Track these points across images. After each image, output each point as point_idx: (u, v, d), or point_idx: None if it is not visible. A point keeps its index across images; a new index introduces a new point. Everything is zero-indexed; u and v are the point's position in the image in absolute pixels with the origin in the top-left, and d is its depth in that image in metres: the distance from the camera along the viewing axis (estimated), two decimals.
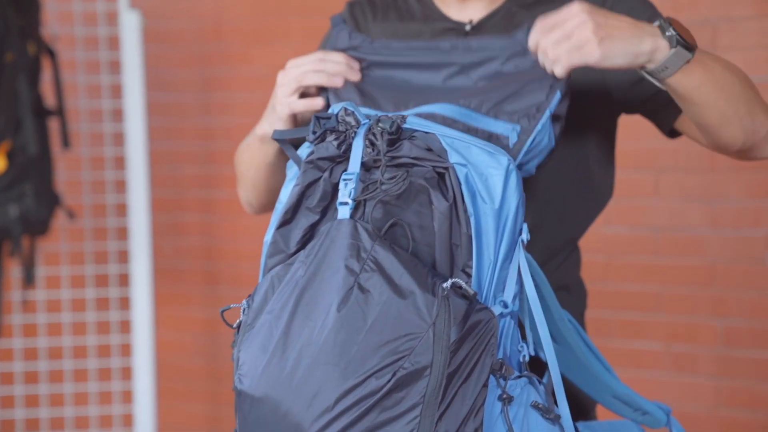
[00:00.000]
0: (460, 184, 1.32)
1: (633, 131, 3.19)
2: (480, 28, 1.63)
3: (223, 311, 1.41)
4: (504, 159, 1.36)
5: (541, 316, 1.37)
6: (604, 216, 3.21)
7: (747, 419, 3.02)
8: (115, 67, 3.56)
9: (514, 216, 1.34)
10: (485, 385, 1.28)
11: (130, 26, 3.33)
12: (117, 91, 3.56)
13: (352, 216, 1.33)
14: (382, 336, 1.25)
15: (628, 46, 1.40)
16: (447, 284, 1.27)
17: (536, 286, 1.40)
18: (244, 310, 1.37)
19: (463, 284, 1.27)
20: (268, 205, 1.70)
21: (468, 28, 1.64)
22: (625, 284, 3.18)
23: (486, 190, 1.34)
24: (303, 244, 1.37)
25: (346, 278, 1.28)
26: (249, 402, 1.32)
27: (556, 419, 1.36)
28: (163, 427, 3.73)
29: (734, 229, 3.02)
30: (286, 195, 1.41)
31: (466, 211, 1.32)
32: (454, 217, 1.32)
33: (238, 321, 1.38)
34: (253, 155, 1.65)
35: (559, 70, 1.41)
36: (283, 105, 1.55)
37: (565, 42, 1.40)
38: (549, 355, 1.37)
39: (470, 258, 1.32)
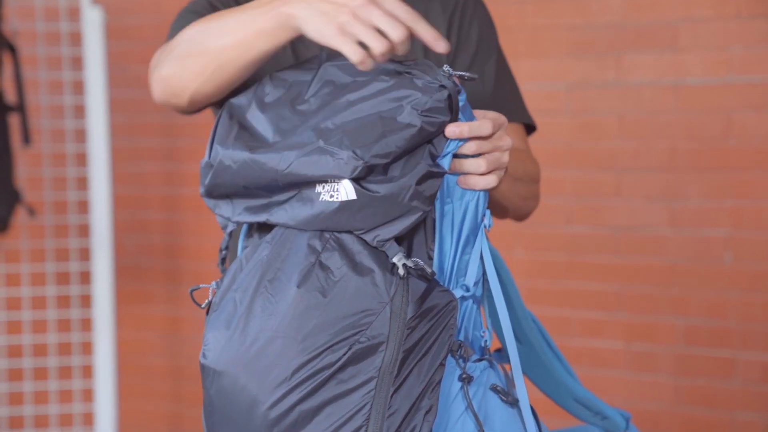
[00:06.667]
0: None
1: (594, 132, 3.21)
2: None
3: (192, 290, 1.43)
4: None
5: (501, 298, 1.38)
6: (565, 215, 3.24)
7: (706, 417, 3.05)
8: (77, 63, 3.54)
9: (476, 201, 1.36)
10: (442, 364, 1.29)
11: (93, 22, 3.32)
12: (79, 88, 3.54)
13: None
14: (339, 311, 1.28)
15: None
16: (407, 263, 1.29)
17: (501, 281, 1.41)
18: (213, 291, 1.40)
19: (422, 264, 1.29)
20: (208, 98, 1.49)
21: None
22: (585, 283, 3.19)
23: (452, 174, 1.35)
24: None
25: (307, 256, 1.31)
26: (211, 376, 1.35)
27: (514, 402, 1.37)
28: (124, 426, 3.71)
29: (694, 229, 3.05)
30: None
31: None
32: None
33: (207, 301, 1.40)
34: (243, 38, 1.40)
35: (481, 187, 1.37)
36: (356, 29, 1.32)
37: (496, 167, 1.37)
38: (508, 339, 1.39)
39: (433, 242, 1.34)
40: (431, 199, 1.31)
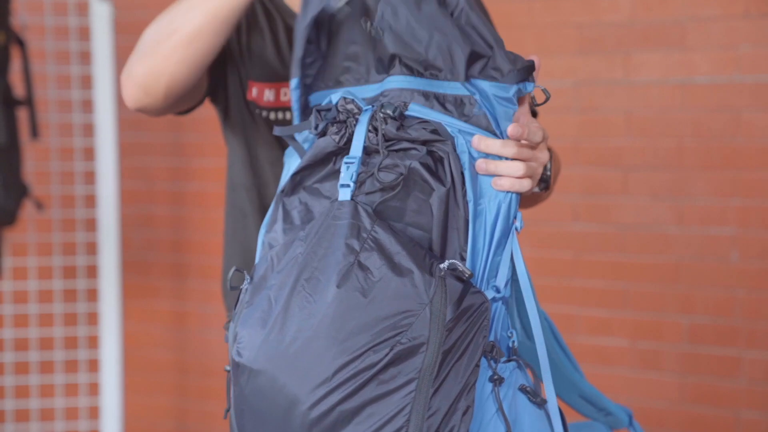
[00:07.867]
0: (461, 168, 1.35)
1: (602, 129, 3.21)
2: None
3: (233, 271, 1.44)
4: None
5: (531, 302, 1.39)
6: (572, 213, 3.24)
7: (711, 415, 3.05)
8: (86, 57, 3.54)
9: (508, 203, 1.37)
10: (477, 365, 1.30)
11: (101, 16, 3.32)
12: (87, 82, 3.54)
13: (352, 198, 1.35)
14: (380, 312, 1.28)
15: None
16: (444, 265, 1.29)
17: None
18: (245, 290, 1.39)
19: (460, 266, 1.30)
20: (183, 85, 1.55)
21: None
22: (592, 281, 3.20)
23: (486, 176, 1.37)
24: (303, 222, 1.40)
25: (346, 256, 1.31)
26: (247, 374, 1.34)
27: (542, 403, 1.38)
28: (129, 420, 3.72)
29: (700, 227, 3.05)
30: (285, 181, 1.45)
31: (465, 195, 1.35)
32: (452, 201, 1.35)
33: (237, 296, 1.40)
34: (207, 5, 1.47)
35: (516, 189, 1.41)
36: None
37: (530, 173, 1.41)
38: (538, 340, 1.39)
39: (466, 242, 1.35)
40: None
